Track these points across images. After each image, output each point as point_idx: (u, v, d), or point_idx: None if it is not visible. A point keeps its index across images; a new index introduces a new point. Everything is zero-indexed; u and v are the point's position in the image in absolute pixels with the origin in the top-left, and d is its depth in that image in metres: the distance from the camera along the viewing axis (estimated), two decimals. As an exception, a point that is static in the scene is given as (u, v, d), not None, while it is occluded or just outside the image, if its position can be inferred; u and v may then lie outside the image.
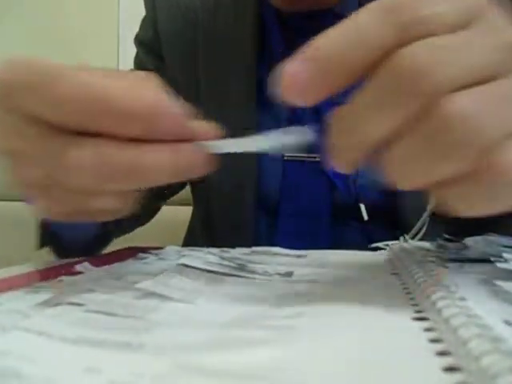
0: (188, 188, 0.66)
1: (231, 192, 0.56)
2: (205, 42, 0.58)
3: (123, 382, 0.15)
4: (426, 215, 0.49)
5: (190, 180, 0.64)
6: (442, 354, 0.16)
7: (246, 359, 0.16)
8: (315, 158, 0.53)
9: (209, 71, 0.58)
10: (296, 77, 0.21)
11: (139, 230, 0.65)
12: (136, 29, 0.65)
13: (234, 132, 0.27)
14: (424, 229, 0.49)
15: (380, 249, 0.48)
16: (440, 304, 0.20)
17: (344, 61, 0.21)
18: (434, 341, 0.18)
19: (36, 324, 0.19)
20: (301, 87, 0.21)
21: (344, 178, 0.53)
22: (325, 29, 0.21)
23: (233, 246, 0.45)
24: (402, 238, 0.49)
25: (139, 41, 0.65)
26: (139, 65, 0.65)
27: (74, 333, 0.18)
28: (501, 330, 0.17)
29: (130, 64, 0.66)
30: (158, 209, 0.69)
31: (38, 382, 0.15)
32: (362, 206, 0.53)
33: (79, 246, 0.46)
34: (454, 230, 0.39)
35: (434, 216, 0.49)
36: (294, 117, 0.54)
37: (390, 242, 0.49)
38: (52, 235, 0.45)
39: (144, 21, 0.65)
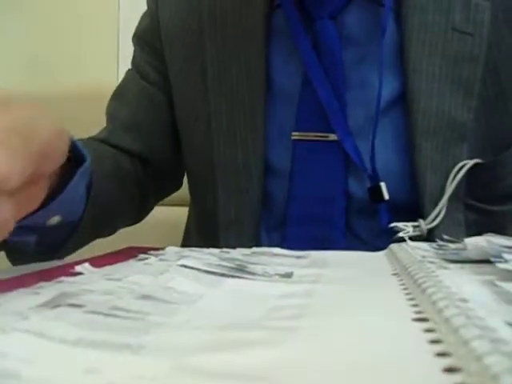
0: (187, 188, 0.65)
1: (238, 179, 0.54)
2: (211, 30, 0.56)
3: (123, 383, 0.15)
4: (444, 200, 0.48)
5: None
6: (441, 354, 0.16)
7: (246, 360, 0.16)
8: (327, 137, 0.51)
9: (217, 59, 0.55)
10: None
11: (139, 230, 0.65)
12: (136, 29, 0.65)
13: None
14: (442, 214, 0.49)
15: (397, 232, 0.48)
16: (440, 305, 0.20)
17: None
18: (434, 342, 0.18)
19: (36, 325, 0.19)
20: None
21: (359, 156, 0.51)
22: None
23: (234, 242, 0.44)
24: (420, 221, 0.49)
25: (137, 36, 0.64)
26: (135, 62, 0.64)
27: (73, 335, 0.18)
28: (502, 331, 0.17)
29: (130, 64, 0.66)
30: (146, 210, 0.64)
31: None
32: (383, 185, 0.50)
33: (25, 252, 0.41)
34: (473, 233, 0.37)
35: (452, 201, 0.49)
36: (305, 105, 0.52)
37: (408, 224, 0.49)
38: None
39: (144, 15, 0.64)
